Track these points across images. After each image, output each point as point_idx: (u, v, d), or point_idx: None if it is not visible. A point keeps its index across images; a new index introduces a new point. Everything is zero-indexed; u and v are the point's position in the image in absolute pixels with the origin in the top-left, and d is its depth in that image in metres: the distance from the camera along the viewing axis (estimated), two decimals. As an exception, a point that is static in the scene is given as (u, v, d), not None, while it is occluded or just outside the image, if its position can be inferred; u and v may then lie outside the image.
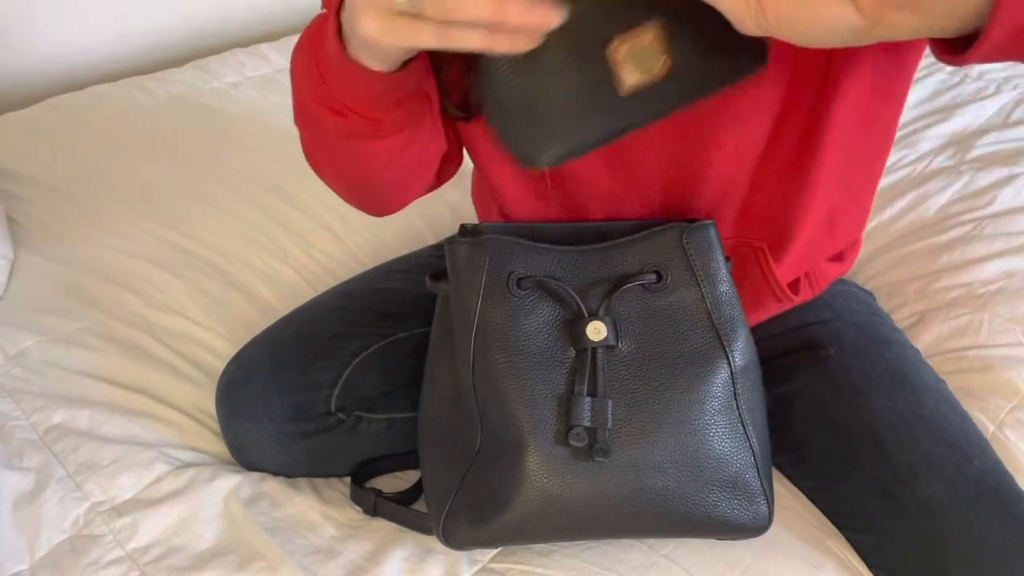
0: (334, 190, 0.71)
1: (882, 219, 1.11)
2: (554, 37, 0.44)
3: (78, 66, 1.47)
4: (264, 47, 1.58)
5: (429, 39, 0.44)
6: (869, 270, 1.04)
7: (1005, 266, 0.98)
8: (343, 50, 0.52)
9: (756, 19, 0.44)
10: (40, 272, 1.02)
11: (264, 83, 1.48)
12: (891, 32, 0.43)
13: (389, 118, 0.58)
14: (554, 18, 0.43)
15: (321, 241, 1.08)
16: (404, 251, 0.98)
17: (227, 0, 1.61)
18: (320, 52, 0.55)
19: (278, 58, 1.55)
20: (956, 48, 0.45)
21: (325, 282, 1.01)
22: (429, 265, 0.85)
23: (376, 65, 0.53)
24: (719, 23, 0.44)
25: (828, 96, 0.62)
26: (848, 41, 0.44)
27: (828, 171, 0.66)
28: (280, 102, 1.40)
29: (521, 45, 0.44)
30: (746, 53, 0.49)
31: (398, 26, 0.44)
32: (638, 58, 0.47)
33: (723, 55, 0.49)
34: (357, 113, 0.57)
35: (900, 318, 0.95)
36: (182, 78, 1.45)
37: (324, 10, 0.58)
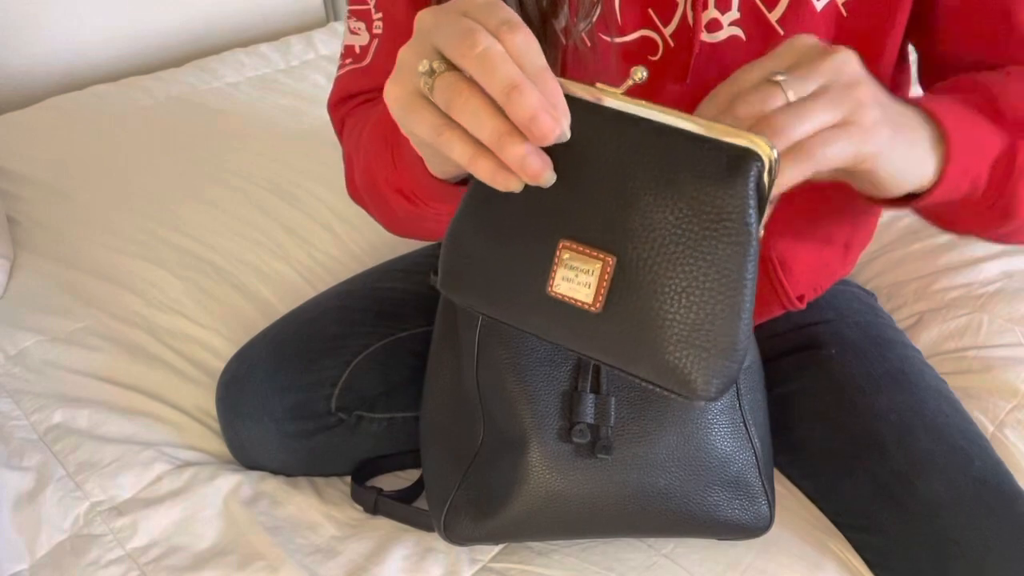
0: (378, 220, 0.71)
1: (882, 220, 1.11)
2: (529, 196, 0.41)
3: (78, 66, 1.47)
4: (264, 47, 1.58)
5: (425, 127, 0.41)
6: (869, 271, 1.04)
7: (1004, 266, 0.98)
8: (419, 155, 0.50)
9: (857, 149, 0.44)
10: (40, 272, 1.02)
11: (264, 83, 1.48)
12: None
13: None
14: (545, 178, 0.40)
15: (321, 241, 1.08)
16: (404, 250, 0.98)
17: (227, 0, 1.62)
18: (393, 138, 0.55)
19: (278, 58, 1.55)
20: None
21: (325, 281, 1.01)
22: (430, 264, 0.85)
23: (435, 169, 0.50)
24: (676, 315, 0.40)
25: None
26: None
27: (845, 202, 0.68)
28: (280, 102, 1.40)
29: (499, 182, 0.40)
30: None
31: (413, 103, 0.42)
32: (572, 274, 0.42)
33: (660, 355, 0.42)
34: (426, 203, 0.57)
35: (900, 318, 0.95)
36: (182, 78, 1.46)
37: None
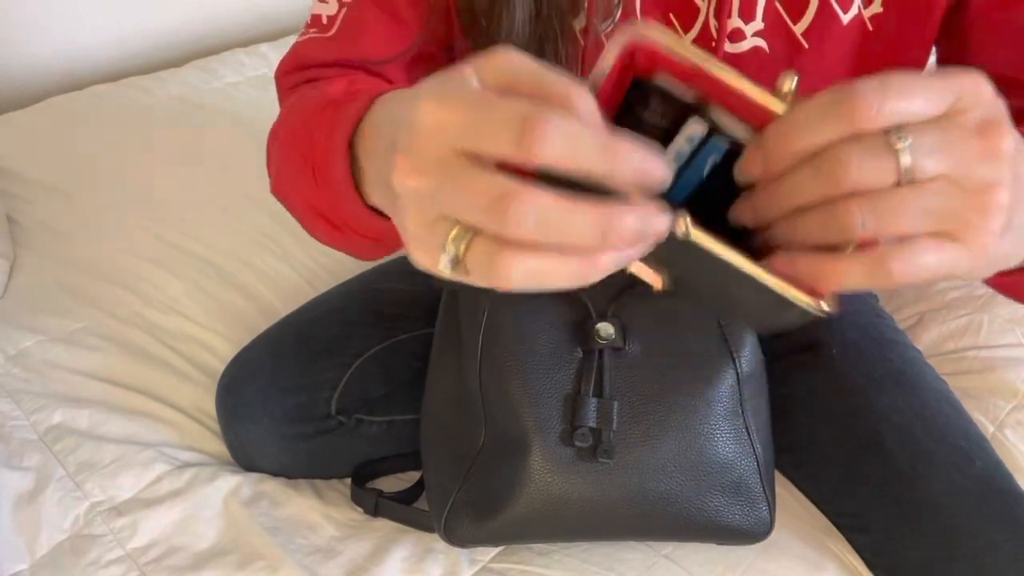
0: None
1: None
2: None
3: (78, 66, 1.47)
4: (264, 47, 1.58)
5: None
6: (869, 271, 1.04)
7: (1005, 267, 0.98)
8: (353, 187, 0.44)
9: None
10: (40, 272, 1.02)
11: (264, 83, 1.47)
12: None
13: (398, 244, 0.47)
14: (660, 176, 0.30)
15: (321, 241, 1.08)
16: (405, 251, 0.97)
17: (227, 0, 1.61)
18: (318, 160, 0.47)
19: (278, 58, 1.54)
20: None
21: (325, 282, 1.01)
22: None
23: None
24: None
25: None
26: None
27: None
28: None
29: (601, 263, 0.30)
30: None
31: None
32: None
33: None
34: (361, 235, 0.50)
35: (900, 319, 0.95)
36: (182, 78, 1.45)
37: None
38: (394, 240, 0.45)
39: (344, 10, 0.63)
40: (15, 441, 0.80)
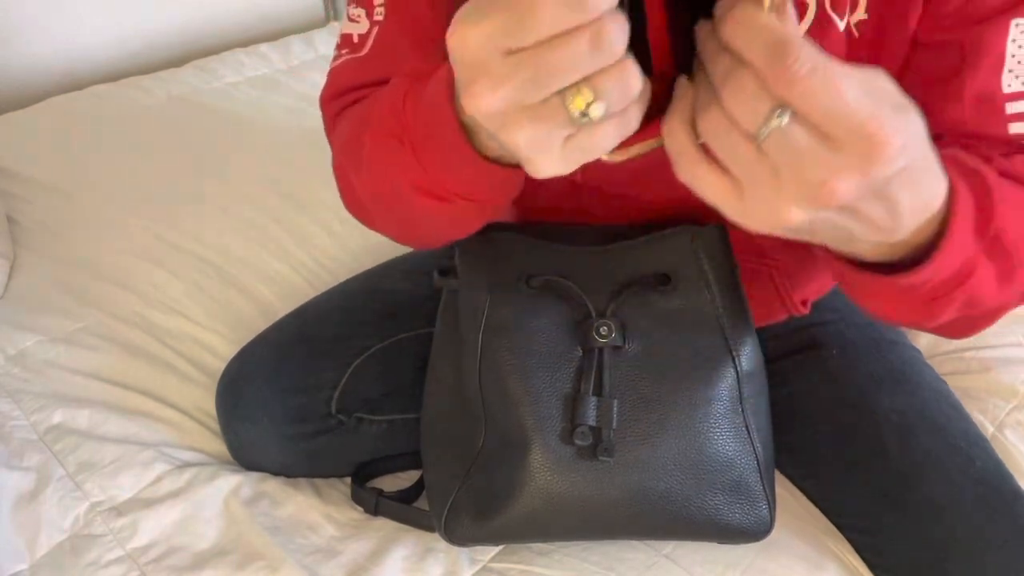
0: (384, 233, 0.65)
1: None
2: None
3: (78, 66, 1.47)
4: (264, 47, 1.58)
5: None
6: (869, 271, 1.04)
7: (1005, 267, 0.98)
8: (467, 143, 0.45)
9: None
10: (40, 272, 1.02)
11: (264, 83, 1.48)
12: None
13: (506, 198, 0.52)
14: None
15: (321, 241, 1.08)
16: (405, 251, 0.98)
17: (227, 0, 1.62)
18: (410, 136, 0.49)
19: (278, 58, 1.55)
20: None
21: (325, 282, 1.01)
22: (430, 265, 0.85)
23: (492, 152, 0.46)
24: None
25: None
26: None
27: None
28: (280, 102, 1.40)
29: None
30: None
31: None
32: None
33: None
34: (470, 200, 0.51)
35: (900, 319, 0.95)
36: (182, 78, 1.46)
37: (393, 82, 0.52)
38: (509, 188, 0.50)
39: (376, 29, 0.62)
40: (15, 441, 0.80)
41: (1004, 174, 0.50)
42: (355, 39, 0.63)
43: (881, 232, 0.40)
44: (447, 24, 0.44)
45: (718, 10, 0.36)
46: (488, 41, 0.34)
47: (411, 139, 0.49)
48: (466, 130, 0.45)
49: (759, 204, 0.36)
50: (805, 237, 0.42)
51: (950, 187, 0.43)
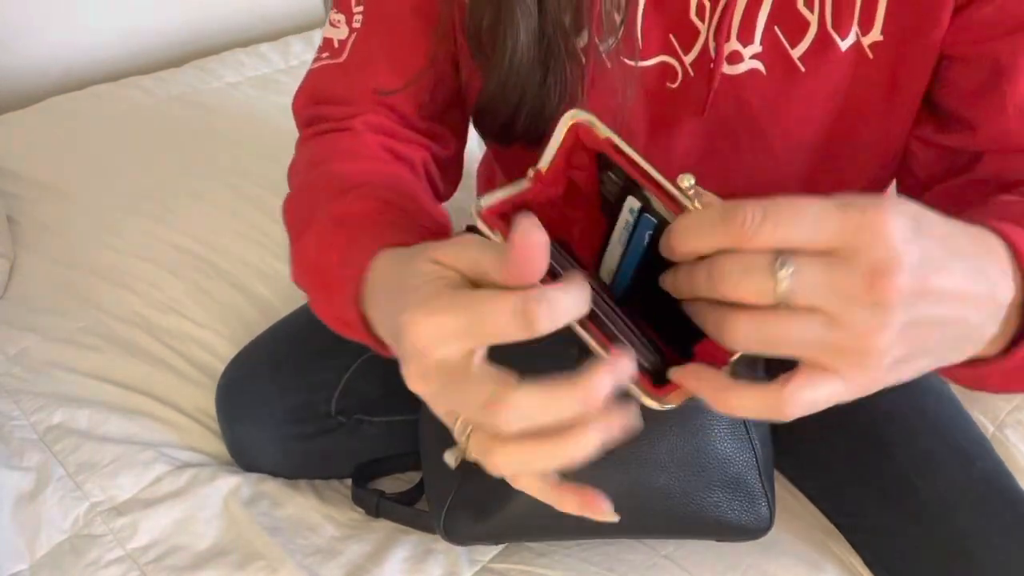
0: None
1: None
2: None
3: (78, 66, 1.47)
4: (264, 47, 1.58)
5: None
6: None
7: (1005, 267, 0.98)
8: (367, 329, 0.48)
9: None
10: (40, 272, 1.02)
11: (264, 83, 1.48)
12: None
13: None
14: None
15: (321, 241, 1.08)
16: (404, 251, 0.97)
17: (227, 0, 1.61)
18: (333, 288, 0.50)
19: (278, 58, 1.55)
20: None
21: (325, 282, 1.01)
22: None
23: None
24: None
25: None
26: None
27: None
28: (280, 102, 1.40)
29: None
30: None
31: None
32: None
33: None
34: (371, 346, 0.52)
35: (900, 319, 0.95)
36: (182, 78, 1.45)
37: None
38: None
39: (354, 35, 0.63)
40: (15, 441, 0.80)
41: None
42: (335, 44, 0.64)
43: (983, 308, 0.36)
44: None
45: (667, 277, 0.38)
46: (436, 334, 0.34)
47: (327, 285, 0.50)
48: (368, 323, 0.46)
49: (856, 360, 0.34)
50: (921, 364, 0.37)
51: (1011, 245, 0.38)
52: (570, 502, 0.38)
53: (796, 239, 0.32)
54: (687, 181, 0.36)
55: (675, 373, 0.38)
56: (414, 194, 0.55)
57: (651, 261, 0.39)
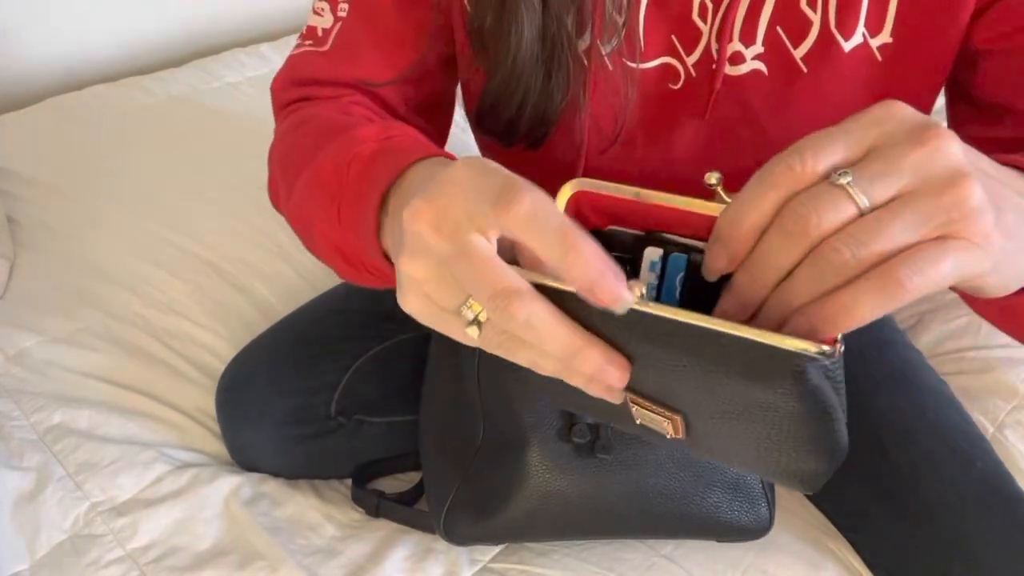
0: None
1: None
2: None
3: (78, 66, 1.47)
4: (264, 47, 1.57)
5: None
6: (869, 271, 1.04)
7: (1005, 267, 0.98)
8: (377, 235, 0.46)
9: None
10: (40, 272, 1.02)
11: (264, 83, 1.46)
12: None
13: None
14: (618, 392, 0.36)
15: (321, 241, 1.08)
16: (404, 251, 0.97)
17: (227, 0, 1.61)
18: (341, 194, 0.49)
19: (278, 58, 1.55)
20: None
21: (325, 282, 1.01)
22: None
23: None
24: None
25: None
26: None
27: None
28: (280, 102, 1.40)
29: (573, 380, 0.36)
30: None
31: (452, 327, 0.36)
32: (648, 416, 0.39)
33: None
34: (370, 273, 0.51)
35: (900, 319, 0.95)
36: (182, 78, 1.45)
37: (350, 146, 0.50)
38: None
39: (339, 24, 0.63)
40: (15, 441, 0.80)
41: None
42: (319, 32, 0.64)
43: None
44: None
45: (725, 301, 0.36)
46: (434, 231, 0.34)
47: (340, 197, 0.49)
48: (381, 218, 0.45)
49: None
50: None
51: None
52: (593, 359, 0.35)
53: (839, 155, 0.32)
54: (714, 177, 0.36)
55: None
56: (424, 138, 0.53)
57: (690, 304, 0.36)
